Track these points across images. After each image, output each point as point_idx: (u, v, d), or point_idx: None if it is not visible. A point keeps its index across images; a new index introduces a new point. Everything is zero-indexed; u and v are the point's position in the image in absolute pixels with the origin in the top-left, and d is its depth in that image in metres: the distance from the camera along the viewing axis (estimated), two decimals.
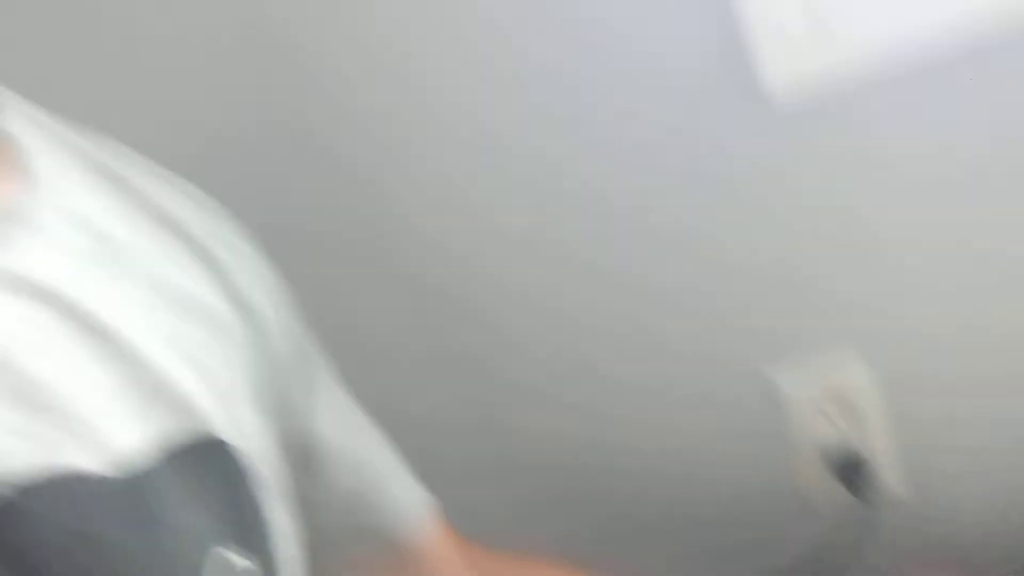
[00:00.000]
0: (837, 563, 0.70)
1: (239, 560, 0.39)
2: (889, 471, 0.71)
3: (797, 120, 0.65)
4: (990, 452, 0.71)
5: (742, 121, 0.66)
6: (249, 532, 0.41)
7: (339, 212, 0.69)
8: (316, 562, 0.47)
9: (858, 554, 0.69)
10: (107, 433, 0.36)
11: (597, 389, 0.72)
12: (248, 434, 0.43)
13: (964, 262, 0.68)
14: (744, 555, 0.71)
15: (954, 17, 0.62)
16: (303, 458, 0.49)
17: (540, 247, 0.70)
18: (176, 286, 0.42)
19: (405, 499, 0.54)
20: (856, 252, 0.69)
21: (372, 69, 0.66)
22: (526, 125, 0.67)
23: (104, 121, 0.45)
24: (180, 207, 0.45)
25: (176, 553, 0.37)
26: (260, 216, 0.50)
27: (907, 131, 0.66)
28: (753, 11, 0.62)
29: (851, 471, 0.71)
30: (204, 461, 0.39)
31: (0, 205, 0.37)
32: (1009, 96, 0.65)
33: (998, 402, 0.70)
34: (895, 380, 0.70)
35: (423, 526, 0.54)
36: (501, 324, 0.72)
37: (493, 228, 0.70)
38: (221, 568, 0.38)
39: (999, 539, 0.70)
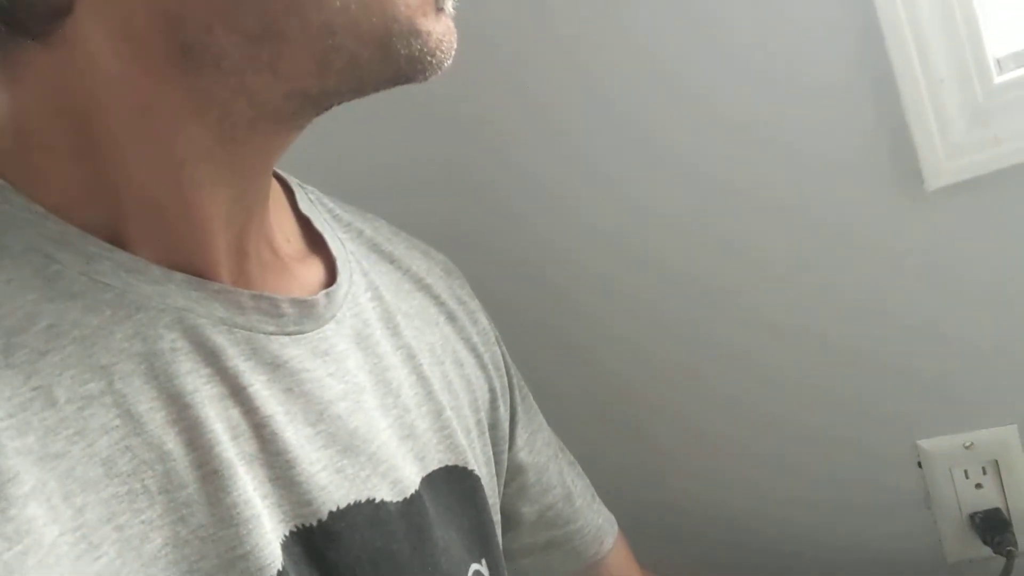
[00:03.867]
0: None
1: (487, 573, 0.46)
2: None
3: (951, 203, 0.67)
4: None
5: (902, 207, 0.68)
6: (489, 548, 0.48)
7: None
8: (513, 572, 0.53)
9: None
10: (399, 469, 0.43)
11: (762, 467, 0.77)
12: (481, 461, 0.50)
13: None
14: None
15: None
16: (509, 477, 0.55)
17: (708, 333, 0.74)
18: (426, 338, 0.49)
19: (595, 518, 0.59)
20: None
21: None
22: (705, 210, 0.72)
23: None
24: (428, 272, 0.53)
25: (445, 567, 0.43)
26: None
27: None
28: (913, 108, 0.64)
29: (993, 527, 0.73)
30: (456, 486, 0.47)
31: (323, 288, 0.44)
32: None
33: None
34: None
35: (609, 544, 0.60)
36: (668, 402, 0.77)
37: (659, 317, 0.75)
38: None
39: None
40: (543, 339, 0.77)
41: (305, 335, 0.42)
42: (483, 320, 0.55)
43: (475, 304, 0.55)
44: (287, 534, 0.38)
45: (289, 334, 0.41)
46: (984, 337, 0.70)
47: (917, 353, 0.72)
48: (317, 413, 0.41)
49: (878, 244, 0.70)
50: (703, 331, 0.75)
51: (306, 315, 0.42)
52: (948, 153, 0.65)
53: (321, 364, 0.42)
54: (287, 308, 0.41)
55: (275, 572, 0.36)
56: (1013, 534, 0.72)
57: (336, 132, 0.65)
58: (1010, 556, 0.71)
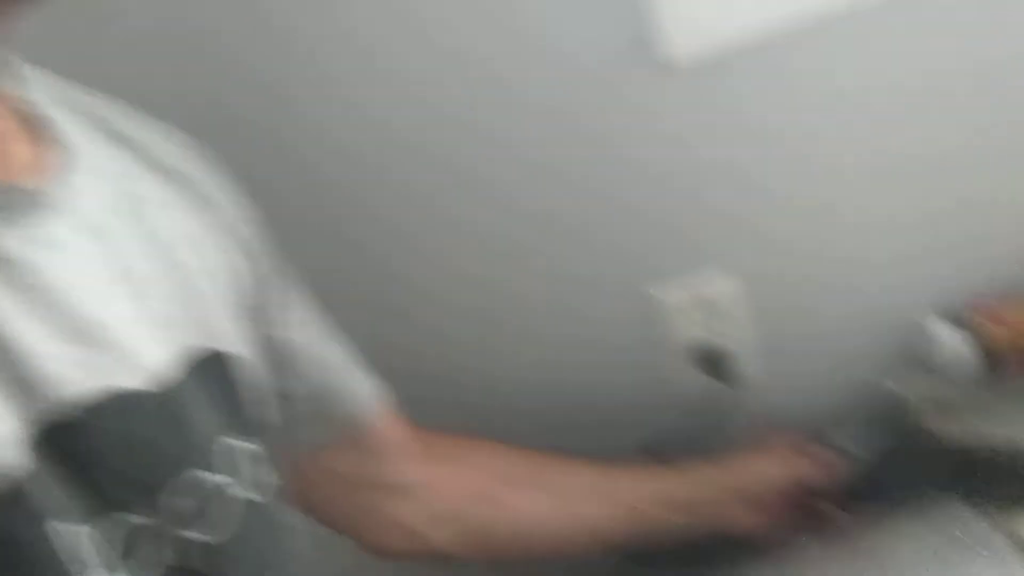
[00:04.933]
0: (709, 441, 0.79)
1: (241, 444, 0.46)
2: (750, 361, 0.82)
3: (686, 76, 0.72)
4: (829, 339, 0.83)
5: (638, 78, 0.72)
6: (247, 423, 0.47)
7: None
8: (290, 449, 0.54)
9: (726, 430, 0.79)
10: (144, 356, 0.42)
11: (490, 301, 0.79)
12: (242, 343, 0.50)
13: (808, 184, 0.78)
14: (624, 436, 0.78)
15: None
16: (278, 359, 0.55)
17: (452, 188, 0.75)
18: (181, 225, 0.49)
19: (363, 389, 0.61)
20: (725, 186, 0.77)
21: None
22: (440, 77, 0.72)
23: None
24: (178, 158, 0.51)
25: (194, 444, 0.43)
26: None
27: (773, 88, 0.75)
28: None
29: (718, 364, 0.81)
30: (212, 369, 0.46)
31: (50, 174, 0.42)
32: (880, 53, 0.75)
33: (838, 298, 0.82)
34: (754, 284, 0.80)
35: (378, 410, 0.62)
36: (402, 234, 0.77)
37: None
38: (225, 451, 0.44)
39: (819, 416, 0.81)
40: (307, 224, 0.74)
41: (31, 224, 0.40)
42: (238, 203, 0.54)
43: (229, 187, 0.54)
44: (32, 434, 0.36)
45: (11, 224, 0.39)
46: (711, 191, 0.77)
47: (649, 202, 0.77)
48: (46, 305, 0.39)
49: (624, 120, 0.74)
50: (460, 213, 0.76)
51: (31, 203, 0.40)
52: (690, 32, 0.69)
53: (51, 254, 0.40)
54: (9, 196, 0.39)
55: (18, 477, 0.35)
56: (735, 367, 0.81)
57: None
58: (733, 385, 0.80)
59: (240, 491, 0.45)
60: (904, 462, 0.80)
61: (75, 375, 0.38)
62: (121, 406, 0.40)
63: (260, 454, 0.47)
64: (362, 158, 0.74)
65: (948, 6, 0.74)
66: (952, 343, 0.79)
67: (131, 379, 0.41)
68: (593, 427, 0.81)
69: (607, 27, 0.71)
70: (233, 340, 0.49)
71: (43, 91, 0.47)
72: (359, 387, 0.61)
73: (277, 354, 0.56)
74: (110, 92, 0.52)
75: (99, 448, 0.39)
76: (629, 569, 0.78)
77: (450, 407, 0.77)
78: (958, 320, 0.80)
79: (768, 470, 0.75)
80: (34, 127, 0.44)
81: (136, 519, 0.39)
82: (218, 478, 0.43)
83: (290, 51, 0.71)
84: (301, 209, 0.73)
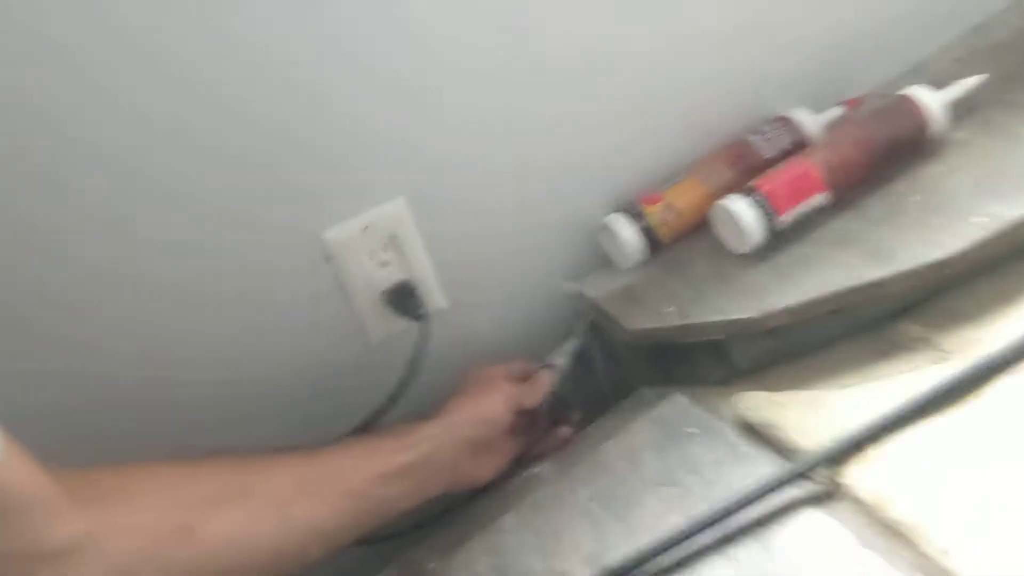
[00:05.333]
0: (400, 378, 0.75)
1: None
2: (433, 291, 0.80)
3: None
4: (516, 255, 0.83)
5: None
6: None
7: None
8: None
9: (416, 364, 0.74)
10: None
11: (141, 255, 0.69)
12: None
13: (474, 110, 0.77)
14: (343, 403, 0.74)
15: None
16: None
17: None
18: None
19: None
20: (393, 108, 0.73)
21: None
22: None
23: None
24: None
25: None
26: None
27: None
28: None
29: (407, 301, 0.78)
30: None
31: None
32: None
33: (510, 223, 0.82)
34: (428, 214, 0.78)
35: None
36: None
37: None
38: None
39: (521, 336, 0.84)
40: None
41: None
42: None
43: None
44: None
45: None
46: (368, 117, 0.72)
47: (315, 139, 0.71)
48: None
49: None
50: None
51: None
52: None
53: None
54: None
55: None
56: (422, 299, 0.79)
57: None
58: (423, 319, 0.77)
59: None
60: (601, 361, 0.85)
61: None
62: None
63: None
64: None
65: None
66: (626, 234, 0.82)
67: None
68: (303, 403, 0.76)
69: None
70: None
71: None
72: None
73: None
74: None
75: None
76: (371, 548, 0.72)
77: (108, 431, 0.68)
78: (630, 211, 0.83)
79: (489, 410, 0.72)
80: None
81: None
82: None
83: None
84: None
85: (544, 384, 0.77)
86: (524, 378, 0.78)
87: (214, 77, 0.66)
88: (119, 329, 0.70)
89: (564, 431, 0.78)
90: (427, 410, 0.75)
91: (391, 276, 0.77)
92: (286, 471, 0.62)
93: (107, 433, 0.70)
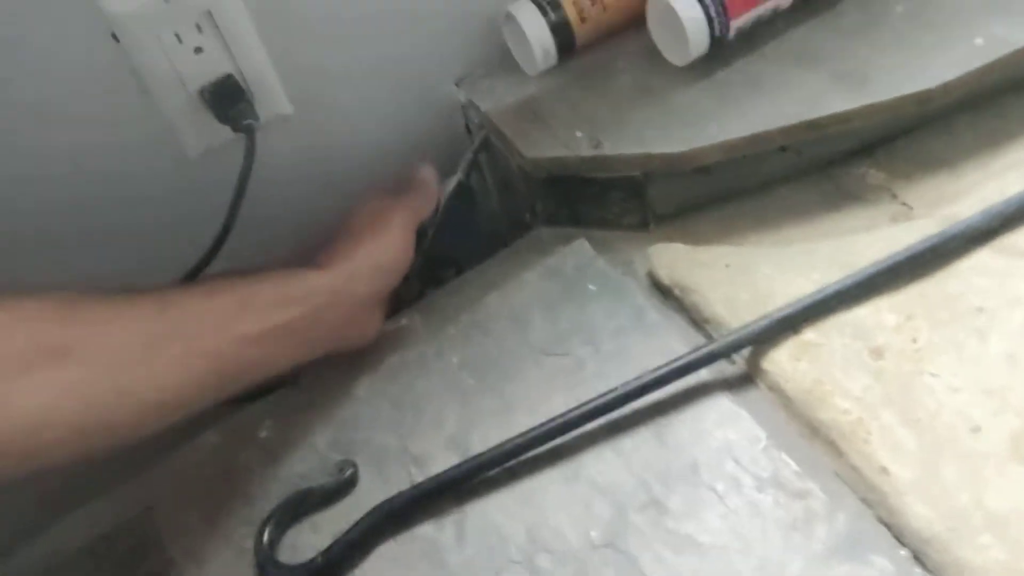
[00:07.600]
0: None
1: None
2: (271, 90, 0.61)
3: None
4: (372, 56, 0.65)
5: None
6: None
7: None
8: None
9: (242, 185, 0.58)
10: None
11: None
12: None
13: None
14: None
15: None
16: None
17: None
18: None
19: None
20: None
21: None
22: None
23: None
24: None
25: None
26: None
27: None
28: None
29: (228, 99, 0.59)
30: None
31: None
32: None
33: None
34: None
35: None
36: None
37: None
38: None
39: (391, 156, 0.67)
40: None
41: None
42: None
43: None
44: None
45: None
46: None
47: None
48: None
49: None
50: None
51: None
52: None
53: None
54: None
55: None
56: (251, 104, 0.60)
57: None
58: (250, 131, 0.58)
59: None
60: (490, 191, 0.70)
61: None
62: None
63: None
64: None
65: None
66: (534, 29, 0.64)
67: None
68: (110, 235, 0.59)
69: None
70: None
71: None
72: None
73: None
74: None
75: None
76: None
77: None
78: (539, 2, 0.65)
79: (388, 256, 0.58)
80: None
81: None
82: None
83: None
84: None
85: (433, 184, 0.63)
86: (414, 186, 0.63)
87: None
88: None
89: (446, 275, 0.65)
90: (275, 248, 0.60)
91: (212, 68, 0.58)
92: (127, 325, 0.47)
93: None
